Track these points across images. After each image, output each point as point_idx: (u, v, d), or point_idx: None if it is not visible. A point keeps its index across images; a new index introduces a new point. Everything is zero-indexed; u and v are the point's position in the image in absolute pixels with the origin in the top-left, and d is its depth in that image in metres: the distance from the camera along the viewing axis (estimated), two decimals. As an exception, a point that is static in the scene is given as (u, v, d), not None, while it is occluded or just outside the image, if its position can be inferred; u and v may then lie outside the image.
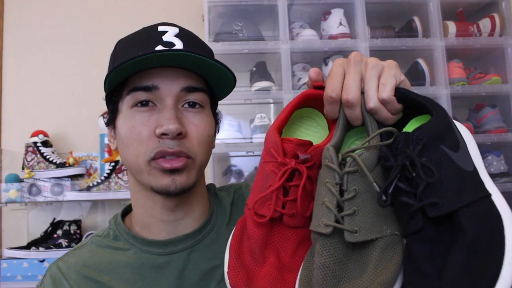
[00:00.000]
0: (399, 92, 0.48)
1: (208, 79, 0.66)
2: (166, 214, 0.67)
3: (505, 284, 0.36)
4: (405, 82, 0.50)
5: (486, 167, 1.82)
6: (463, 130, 0.49)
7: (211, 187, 0.78)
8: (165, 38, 0.62)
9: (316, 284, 0.43)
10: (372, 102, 0.47)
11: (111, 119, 0.66)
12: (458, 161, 0.42)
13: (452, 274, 0.37)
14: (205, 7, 1.76)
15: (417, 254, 0.41)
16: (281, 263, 0.50)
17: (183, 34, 0.64)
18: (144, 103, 0.62)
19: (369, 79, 0.48)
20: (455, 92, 1.79)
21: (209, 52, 0.68)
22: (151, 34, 0.63)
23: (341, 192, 0.44)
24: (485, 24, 1.90)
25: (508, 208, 0.41)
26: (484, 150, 1.86)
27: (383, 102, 0.48)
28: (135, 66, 0.58)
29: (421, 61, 1.83)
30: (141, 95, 0.61)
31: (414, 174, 0.41)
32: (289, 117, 0.55)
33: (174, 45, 0.61)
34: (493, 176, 1.80)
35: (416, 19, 1.87)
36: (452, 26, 1.87)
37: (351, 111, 0.48)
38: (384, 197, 0.41)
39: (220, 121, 0.73)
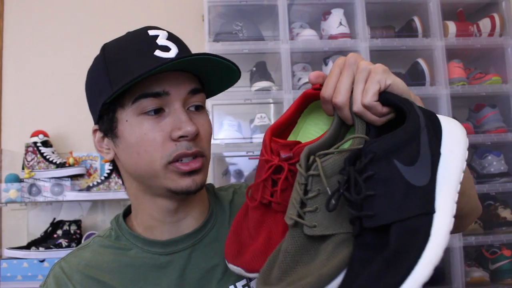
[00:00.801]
0: (383, 97, 0.51)
1: (205, 79, 0.67)
2: (169, 216, 0.68)
3: None
4: (393, 85, 0.51)
5: (486, 167, 1.84)
6: (451, 135, 0.50)
7: (210, 187, 0.79)
8: (160, 42, 0.63)
9: (277, 265, 0.49)
10: (356, 106, 0.51)
11: (108, 128, 0.65)
12: (409, 175, 0.45)
13: (363, 280, 0.40)
14: (205, 7, 1.76)
15: (355, 256, 0.44)
16: (270, 241, 0.57)
17: (172, 37, 0.65)
18: (153, 111, 0.62)
19: (356, 83, 0.52)
20: (455, 92, 1.79)
21: (205, 53, 0.70)
22: (144, 39, 0.63)
23: (307, 191, 0.50)
24: (485, 24, 1.90)
25: (444, 230, 0.43)
26: (484, 150, 1.86)
27: (365, 107, 0.51)
28: (146, 74, 0.58)
29: (421, 61, 1.83)
30: (151, 102, 0.61)
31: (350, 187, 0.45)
32: (290, 118, 0.61)
33: (170, 48, 0.62)
34: (493, 176, 1.80)
35: (416, 19, 1.87)
36: (452, 26, 1.87)
37: (340, 112, 0.53)
38: (333, 202, 0.46)
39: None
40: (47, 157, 1.80)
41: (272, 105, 2.01)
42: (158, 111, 0.62)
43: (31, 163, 1.79)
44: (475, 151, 1.89)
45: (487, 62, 1.98)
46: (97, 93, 0.65)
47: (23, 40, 2.05)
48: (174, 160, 0.61)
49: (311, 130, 0.63)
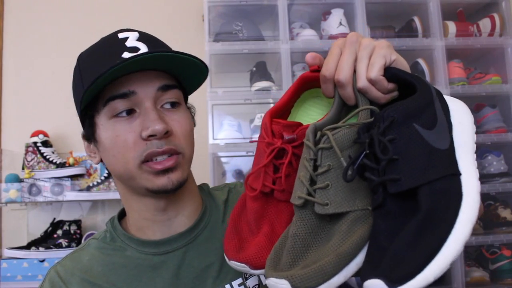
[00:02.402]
0: (389, 72, 0.49)
1: (179, 75, 0.67)
2: (159, 215, 0.68)
3: (442, 262, 0.36)
4: (397, 61, 0.50)
5: (486, 167, 1.84)
6: (458, 110, 0.50)
7: (204, 186, 0.79)
8: (128, 43, 0.62)
9: (286, 250, 0.45)
10: (361, 81, 0.49)
11: (90, 133, 0.66)
12: (430, 139, 0.43)
13: (397, 246, 0.38)
14: (205, 7, 1.76)
15: (378, 228, 0.42)
16: (274, 233, 0.53)
17: (143, 37, 0.65)
18: (123, 112, 0.62)
19: (360, 59, 0.50)
20: (455, 92, 1.79)
21: (171, 50, 0.69)
22: (113, 42, 0.63)
23: (317, 167, 0.46)
24: (485, 24, 1.90)
25: (475, 190, 0.41)
26: (484, 150, 1.86)
27: (371, 82, 0.49)
28: (108, 77, 0.58)
29: (421, 61, 1.83)
30: (119, 104, 0.61)
31: (375, 151, 0.42)
32: (287, 102, 0.58)
33: (138, 49, 0.62)
34: (493, 176, 1.80)
35: (416, 19, 1.87)
36: (452, 26, 1.87)
37: (343, 90, 0.50)
38: (350, 172, 0.43)
39: (194, 114, 0.73)
40: (47, 157, 1.80)
41: (272, 105, 2.00)
42: (130, 112, 0.62)
43: (31, 163, 1.79)
44: (475, 151, 1.89)
45: (487, 62, 1.98)
46: (77, 101, 0.66)
47: (23, 40, 2.05)
48: (146, 159, 0.61)
49: (305, 120, 0.60)
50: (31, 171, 1.77)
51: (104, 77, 0.56)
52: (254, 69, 1.85)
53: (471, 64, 1.99)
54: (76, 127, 2.28)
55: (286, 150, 0.53)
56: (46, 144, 1.83)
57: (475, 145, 0.47)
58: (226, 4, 1.80)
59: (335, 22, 1.81)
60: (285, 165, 0.52)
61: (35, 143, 1.81)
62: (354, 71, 0.50)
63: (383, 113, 0.44)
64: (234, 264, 0.53)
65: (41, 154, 1.80)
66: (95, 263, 0.68)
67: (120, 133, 0.61)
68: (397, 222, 0.40)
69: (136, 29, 0.67)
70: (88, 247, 0.71)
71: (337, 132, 0.46)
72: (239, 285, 0.67)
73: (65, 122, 1.98)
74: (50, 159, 1.80)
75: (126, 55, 0.61)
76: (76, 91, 0.66)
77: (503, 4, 1.90)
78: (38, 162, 1.79)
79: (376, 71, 0.48)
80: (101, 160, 0.68)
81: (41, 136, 1.83)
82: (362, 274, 0.39)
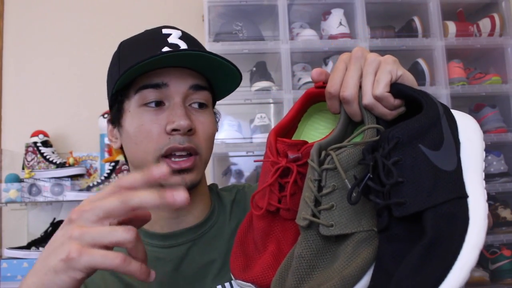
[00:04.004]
0: (395, 88, 0.48)
1: (211, 78, 0.68)
2: (170, 212, 0.69)
3: None
4: (404, 77, 0.50)
5: (486, 167, 1.83)
6: (466, 126, 0.48)
7: (213, 186, 0.80)
8: (170, 40, 0.64)
9: (291, 272, 0.45)
10: (367, 98, 0.48)
11: (116, 118, 0.67)
12: (436, 160, 0.42)
13: (402, 273, 0.37)
14: (205, 7, 1.76)
15: (383, 252, 0.41)
16: (280, 252, 0.52)
17: (186, 36, 0.67)
18: (152, 103, 0.63)
19: (365, 75, 0.49)
20: (455, 92, 1.79)
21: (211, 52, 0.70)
22: (156, 36, 0.65)
23: (321, 188, 0.46)
24: (485, 24, 1.90)
25: (483, 213, 0.40)
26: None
27: (377, 98, 0.48)
28: (144, 67, 0.60)
29: (421, 61, 1.83)
30: (151, 94, 0.63)
31: (379, 173, 0.42)
32: (293, 119, 0.57)
33: (179, 46, 0.64)
34: (493, 176, 1.80)
35: (416, 19, 1.87)
36: (452, 26, 1.87)
37: (349, 107, 0.50)
38: (354, 194, 0.42)
39: (219, 120, 0.75)
40: (47, 157, 1.80)
41: (272, 105, 2.01)
42: (159, 104, 0.64)
43: (31, 163, 1.79)
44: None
45: (487, 62, 1.98)
46: (110, 85, 0.68)
47: (23, 40, 2.05)
48: (165, 154, 0.62)
49: (312, 135, 0.60)
50: (31, 171, 1.77)
51: (141, 65, 0.58)
52: (254, 69, 1.85)
53: (471, 64, 1.99)
54: (76, 127, 2.27)
55: (291, 169, 0.52)
56: (46, 144, 1.83)
57: (484, 163, 0.46)
58: (226, 4, 1.81)
59: (335, 22, 1.81)
60: (290, 184, 0.52)
61: (35, 143, 1.81)
62: (360, 87, 0.49)
63: (388, 134, 0.43)
64: (241, 283, 0.53)
65: (41, 154, 1.80)
66: None
67: (145, 123, 0.63)
68: (403, 246, 0.40)
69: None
70: None
71: (341, 152, 0.46)
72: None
73: (65, 122, 1.98)
74: (50, 159, 1.80)
75: (166, 49, 0.63)
76: (111, 75, 0.68)
77: (503, 4, 1.90)
78: (38, 162, 1.79)
79: (382, 88, 0.48)
80: (121, 147, 0.69)
81: (41, 136, 1.83)
82: None
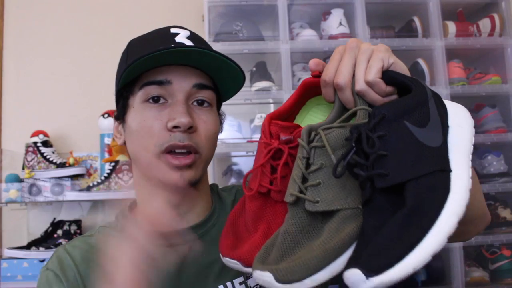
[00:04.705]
0: (387, 75, 0.50)
1: (216, 78, 0.68)
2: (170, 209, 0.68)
3: (423, 253, 0.36)
4: (396, 64, 0.51)
5: (486, 167, 1.83)
6: (457, 113, 0.50)
7: (214, 186, 0.80)
8: (178, 39, 0.65)
9: (276, 246, 0.46)
10: (359, 84, 0.50)
11: (121, 114, 0.68)
12: (421, 136, 0.43)
13: (378, 239, 0.38)
14: (205, 7, 1.76)
15: (366, 224, 0.42)
16: (270, 234, 0.53)
17: (193, 37, 0.67)
18: (155, 99, 0.64)
19: (359, 63, 0.51)
20: (455, 92, 1.79)
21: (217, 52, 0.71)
22: (164, 35, 0.66)
23: (310, 166, 0.47)
24: (485, 24, 1.90)
25: (465, 185, 0.41)
26: (483, 150, 1.86)
27: (369, 84, 0.50)
28: (149, 63, 0.61)
29: (421, 61, 1.83)
30: (154, 90, 0.64)
31: (362, 147, 0.43)
32: (290, 107, 0.59)
33: (185, 45, 0.64)
34: (493, 176, 1.80)
35: (416, 19, 1.87)
36: (452, 26, 1.87)
37: (342, 94, 0.51)
38: (339, 169, 0.43)
39: (224, 121, 0.75)
40: (47, 157, 1.80)
41: (272, 105, 2.01)
42: (161, 101, 0.64)
43: (31, 163, 1.79)
44: (475, 151, 1.89)
45: (487, 62, 1.98)
46: (117, 81, 0.69)
47: (23, 40, 2.05)
48: (166, 150, 0.62)
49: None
50: (31, 171, 1.77)
51: (146, 60, 0.59)
52: (254, 69, 1.85)
53: (471, 64, 1.99)
54: (76, 127, 2.27)
55: (282, 151, 0.53)
56: (46, 144, 1.83)
57: (472, 148, 0.47)
58: (226, 4, 1.81)
59: (335, 22, 1.81)
60: (281, 165, 0.53)
61: (35, 143, 1.81)
62: (354, 76, 0.51)
63: (374, 110, 0.45)
64: (227, 260, 0.54)
65: (41, 154, 1.80)
66: (102, 245, 0.69)
67: (147, 119, 0.64)
68: (384, 217, 0.40)
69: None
70: (98, 234, 0.72)
71: (330, 132, 0.47)
72: (240, 283, 0.68)
73: (65, 122, 1.98)
74: (50, 159, 1.80)
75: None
76: (118, 73, 0.69)
77: (503, 4, 1.90)
78: (38, 162, 1.79)
79: (373, 74, 0.49)
80: (125, 143, 0.70)
81: (41, 136, 1.83)
82: (345, 266, 0.39)
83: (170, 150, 0.62)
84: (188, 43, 0.65)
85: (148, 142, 0.63)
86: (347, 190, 0.45)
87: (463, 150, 0.45)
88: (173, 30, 0.67)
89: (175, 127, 0.62)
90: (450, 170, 0.42)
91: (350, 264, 0.38)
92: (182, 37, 0.65)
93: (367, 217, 0.42)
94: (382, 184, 0.41)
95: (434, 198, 0.39)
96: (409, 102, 0.45)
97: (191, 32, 0.68)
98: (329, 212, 0.45)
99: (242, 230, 0.58)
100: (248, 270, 0.52)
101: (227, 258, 0.54)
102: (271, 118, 0.56)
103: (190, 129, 0.63)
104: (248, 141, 0.64)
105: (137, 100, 0.65)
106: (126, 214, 0.73)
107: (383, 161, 0.42)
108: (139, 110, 0.65)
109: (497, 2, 1.92)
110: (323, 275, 0.41)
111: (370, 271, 0.35)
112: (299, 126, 0.55)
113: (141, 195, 0.71)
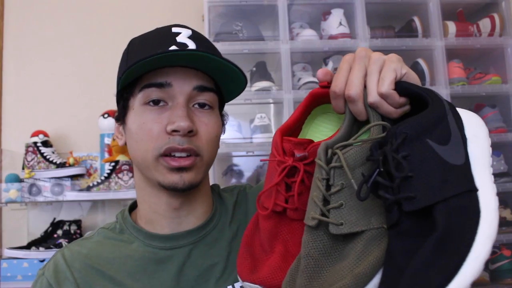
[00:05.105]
0: (400, 86, 0.48)
1: (218, 80, 0.68)
2: (170, 212, 0.68)
3: (463, 281, 0.35)
4: (408, 75, 0.50)
5: (486, 167, 1.83)
6: (472, 123, 0.48)
7: (215, 187, 0.79)
8: (179, 39, 0.64)
9: (301, 271, 0.45)
10: (372, 96, 0.48)
11: (121, 115, 0.68)
12: (445, 154, 0.42)
13: (414, 267, 0.37)
14: (205, 7, 1.76)
15: (394, 248, 0.41)
16: (288, 253, 0.52)
17: (195, 36, 0.66)
18: (155, 101, 0.63)
19: (370, 74, 0.49)
20: (455, 92, 1.79)
21: (219, 54, 0.70)
22: (165, 34, 0.65)
23: (330, 187, 0.46)
24: (485, 24, 1.90)
25: (493, 205, 0.40)
26: (484, 150, 1.86)
27: (382, 96, 0.48)
28: (150, 64, 0.60)
29: (421, 61, 1.83)
30: (154, 92, 0.63)
31: (388, 169, 0.41)
32: (298, 119, 0.57)
33: (187, 46, 0.64)
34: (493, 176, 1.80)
35: (416, 19, 1.87)
36: (452, 26, 1.87)
37: (354, 106, 0.50)
38: (363, 190, 0.42)
39: (226, 122, 0.74)
40: (47, 157, 1.80)
41: (272, 105, 2.01)
42: (162, 103, 0.63)
43: (31, 163, 1.79)
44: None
45: (487, 62, 1.98)
46: (117, 81, 0.68)
47: (23, 40, 2.05)
48: (165, 153, 0.62)
49: (316, 137, 0.60)
50: (31, 171, 1.77)
51: (144, 62, 0.58)
52: (254, 69, 1.85)
53: (471, 64, 1.99)
54: (76, 127, 2.27)
55: (297, 168, 0.52)
56: (46, 144, 1.83)
57: (491, 159, 0.46)
58: (226, 4, 1.81)
59: (335, 22, 1.81)
60: (298, 183, 0.52)
61: (35, 143, 1.81)
62: (365, 86, 0.49)
63: (395, 129, 0.43)
64: (249, 285, 0.52)
65: (41, 154, 1.80)
66: (101, 251, 0.68)
67: (147, 121, 0.63)
68: (414, 241, 0.39)
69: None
70: (97, 236, 0.71)
71: (348, 150, 0.45)
72: (241, 287, 0.67)
73: (65, 122, 1.98)
74: (50, 159, 1.80)
75: (173, 48, 0.62)
76: (119, 73, 0.68)
77: (503, 4, 1.90)
78: (38, 162, 1.79)
79: (387, 86, 0.48)
80: (126, 144, 0.70)
81: (41, 136, 1.83)
82: None
83: (170, 153, 0.62)
84: (190, 43, 0.64)
85: (147, 145, 0.63)
86: (370, 210, 0.44)
87: (484, 164, 0.44)
88: (174, 30, 0.66)
89: (174, 130, 0.61)
90: (477, 190, 0.41)
91: None
92: (183, 37, 0.64)
93: (394, 240, 0.41)
94: (411, 208, 0.40)
95: (466, 222, 0.38)
96: (429, 118, 0.44)
97: (193, 31, 0.67)
98: (353, 233, 0.44)
99: (258, 250, 0.56)
100: None
101: (247, 283, 0.53)
102: (282, 134, 0.55)
103: (190, 133, 0.62)
104: (261, 160, 0.63)
105: (137, 102, 0.64)
106: (126, 215, 0.73)
107: (409, 182, 0.40)
108: (139, 112, 0.64)
109: (497, 2, 1.92)
110: None
111: None
112: (311, 141, 0.54)
113: (142, 197, 0.70)
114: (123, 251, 0.68)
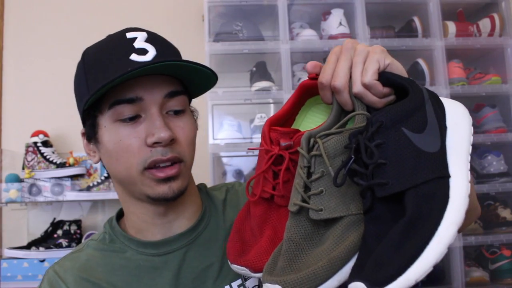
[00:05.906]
0: (383, 76, 0.50)
1: (186, 80, 0.66)
2: (159, 219, 0.68)
3: (424, 264, 0.36)
4: (392, 65, 0.51)
5: (485, 167, 1.84)
6: (455, 112, 0.50)
7: (202, 186, 0.79)
8: (137, 45, 0.61)
9: (282, 255, 0.47)
10: (356, 87, 0.50)
11: (92, 133, 0.65)
12: (419, 142, 0.43)
13: (380, 250, 0.38)
14: (205, 7, 1.76)
15: (368, 232, 0.42)
16: (276, 238, 0.54)
17: (152, 37, 0.64)
18: (131, 118, 0.61)
19: (355, 65, 0.51)
20: (455, 92, 1.79)
21: (178, 53, 0.68)
22: (121, 42, 0.62)
23: (311, 174, 0.48)
24: (485, 24, 1.90)
25: (463, 192, 0.41)
26: (483, 150, 1.86)
27: (366, 86, 0.49)
28: (116, 80, 0.57)
29: (421, 61, 1.83)
30: (125, 109, 0.60)
31: (360, 156, 0.43)
32: (289, 110, 0.59)
33: (147, 51, 0.61)
34: (492, 176, 1.80)
35: (416, 19, 1.87)
36: (452, 26, 1.87)
37: (340, 96, 0.51)
38: (339, 178, 0.44)
39: (197, 117, 0.72)
40: (47, 157, 1.80)
41: (272, 105, 2.01)
42: (134, 118, 0.61)
43: (31, 163, 1.79)
44: (475, 151, 1.89)
45: (487, 62, 1.98)
46: (79, 99, 0.65)
47: (23, 40, 2.05)
48: (149, 166, 0.60)
49: (309, 127, 0.61)
50: (31, 171, 1.77)
51: (111, 84, 0.56)
52: (254, 69, 1.85)
53: (471, 64, 1.99)
54: (76, 127, 2.27)
55: (283, 156, 0.54)
56: (46, 144, 1.83)
57: (470, 147, 0.47)
58: (226, 4, 1.81)
59: (335, 22, 1.81)
60: (283, 171, 0.54)
61: (35, 143, 1.82)
62: (351, 77, 0.51)
63: (372, 117, 0.45)
64: (235, 267, 0.54)
65: (41, 154, 1.80)
66: (94, 263, 0.67)
67: (123, 137, 0.61)
68: (385, 226, 0.41)
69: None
70: (87, 248, 0.70)
71: (328, 140, 0.47)
72: (239, 286, 0.67)
73: (65, 122, 1.98)
74: (50, 159, 1.80)
75: (134, 57, 0.60)
76: (79, 89, 0.65)
77: (503, 4, 1.90)
78: (38, 162, 1.79)
79: (370, 76, 0.49)
80: (100, 160, 0.67)
81: (41, 136, 1.83)
82: (349, 277, 0.40)
83: (154, 165, 0.61)
84: (149, 47, 0.61)
85: (130, 161, 0.61)
86: (349, 196, 0.46)
87: (461, 152, 0.45)
88: (129, 35, 0.62)
89: (156, 142, 0.60)
90: (449, 176, 0.43)
91: (353, 275, 0.39)
92: (140, 42, 0.62)
93: (368, 225, 0.43)
94: (382, 193, 0.42)
95: (434, 207, 0.40)
96: (406, 107, 0.45)
97: (147, 32, 0.64)
98: (333, 219, 0.46)
99: (248, 235, 0.58)
100: (256, 275, 0.52)
101: (235, 265, 0.55)
102: (271, 124, 0.57)
103: (171, 142, 0.61)
104: (248, 149, 0.64)
105: (107, 120, 0.62)
106: (114, 224, 0.71)
107: (383, 169, 0.42)
108: (113, 130, 0.61)
109: (497, 2, 1.92)
110: (331, 283, 0.42)
111: (374, 284, 0.36)
112: (298, 131, 0.56)
113: (128, 208, 0.69)
114: (117, 261, 0.67)
